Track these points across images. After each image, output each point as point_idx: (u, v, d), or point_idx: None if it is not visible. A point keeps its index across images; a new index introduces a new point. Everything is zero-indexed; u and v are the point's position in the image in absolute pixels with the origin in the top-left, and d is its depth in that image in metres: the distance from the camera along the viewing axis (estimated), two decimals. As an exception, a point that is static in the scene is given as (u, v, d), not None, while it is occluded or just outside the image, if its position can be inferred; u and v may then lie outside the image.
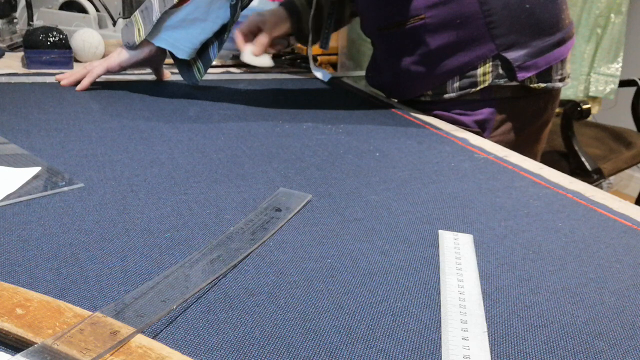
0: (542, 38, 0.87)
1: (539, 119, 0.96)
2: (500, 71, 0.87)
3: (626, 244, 0.51)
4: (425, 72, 0.91)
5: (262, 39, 1.08)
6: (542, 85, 0.90)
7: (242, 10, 0.89)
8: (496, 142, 0.83)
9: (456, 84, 0.89)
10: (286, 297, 0.39)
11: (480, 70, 0.87)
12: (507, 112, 0.92)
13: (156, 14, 0.85)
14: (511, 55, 0.86)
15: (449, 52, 0.88)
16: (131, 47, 0.90)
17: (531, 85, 0.89)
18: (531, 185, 0.64)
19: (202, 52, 0.91)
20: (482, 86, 0.88)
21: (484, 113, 0.91)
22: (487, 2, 0.82)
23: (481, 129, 0.92)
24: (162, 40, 0.87)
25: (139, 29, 0.87)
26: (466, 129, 0.89)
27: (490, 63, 0.87)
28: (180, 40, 0.87)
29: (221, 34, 0.89)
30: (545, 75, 0.90)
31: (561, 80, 0.92)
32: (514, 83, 0.88)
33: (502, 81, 0.88)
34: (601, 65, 1.99)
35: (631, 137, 1.89)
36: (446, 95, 0.91)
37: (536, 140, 1.00)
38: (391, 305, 0.39)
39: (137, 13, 0.88)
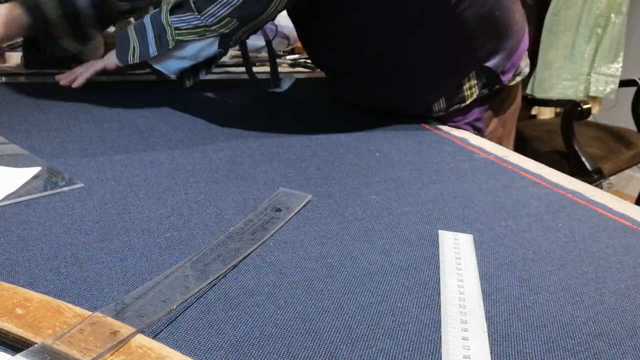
0: (510, 38, 0.88)
1: (514, 104, 0.99)
2: (485, 80, 0.87)
3: (626, 244, 0.51)
4: (409, 96, 0.90)
5: None
6: (519, 79, 0.93)
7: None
8: (490, 138, 0.83)
9: (443, 105, 0.88)
10: (286, 297, 0.39)
11: (466, 86, 0.87)
12: (491, 107, 0.93)
13: (152, 49, 0.83)
14: (492, 62, 0.86)
15: (434, 77, 0.87)
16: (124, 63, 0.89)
17: (510, 84, 0.91)
18: (531, 185, 0.64)
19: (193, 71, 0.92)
20: (470, 100, 0.88)
21: (475, 112, 0.91)
22: (464, 20, 0.81)
23: (476, 129, 0.92)
24: (155, 62, 0.88)
25: (134, 48, 0.86)
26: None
27: (475, 76, 0.86)
28: (172, 66, 0.87)
29: (211, 63, 0.89)
30: (517, 70, 0.92)
31: (526, 66, 0.95)
32: (498, 87, 0.90)
33: (487, 90, 0.88)
34: (601, 65, 1.99)
35: (631, 137, 1.89)
36: (433, 114, 0.90)
37: (513, 126, 1.02)
38: (391, 305, 0.39)
39: (132, 31, 0.86)
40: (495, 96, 0.92)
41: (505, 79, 0.89)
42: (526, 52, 0.95)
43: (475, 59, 0.85)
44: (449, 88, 0.87)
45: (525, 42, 0.93)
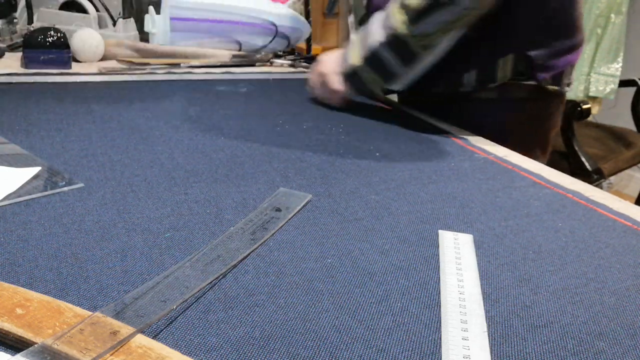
0: (561, 40, 0.86)
1: (548, 122, 0.96)
2: (520, 68, 0.85)
3: (626, 244, 0.51)
4: (441, 62, 0.86)
5: None
6: (556, 87, 0.90)
7: None
8: (513, 148, 0.80)
9: (473, 78, 0.87)
10: (286, 297, 0.39)
11: (499, 65, 0.85)
12: (521, 114, 0.91)
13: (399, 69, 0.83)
14: (533, 53, 0.84)
15: (470, 44, 0.84)
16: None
17: (547, 87, 0.88)
18: (531, 185, 0.64)
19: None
20: (500, 82, 0.85)
21: (500, 115, 0.89)
22: None
23: (499, 132, 0.87)
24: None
25: (373, 80, 0.87)
26: (483, 136, 0.85)
27: (511, 59, 0.85)
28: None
29: None
30: (557, 78, 0.90)
31: (568, 85, 0.93)
32: (532, 82, 0.87)
33: (520, 79, 0.86)
34: (601, 65, 1.99)
35: (631, 137, 1.89)
36: (462, 89, 0.88)
37: (546, 143, 0.98)
38: (391, 305, 0.39)
39: (365, 67, 0.86)
40: (530, 103, 0.89)
41: (540, 75, 0.86)
42: (573, 71, 0.92)
43: (518, 41, 0.83)
44: (482, 59, 0.85)
45: (575, 56, 0.90)
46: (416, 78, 0.86)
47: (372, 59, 0.83)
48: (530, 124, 0.93)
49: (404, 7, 0.79)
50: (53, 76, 0.98)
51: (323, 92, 0.93)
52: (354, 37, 0.87)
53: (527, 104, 0.90)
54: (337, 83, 0.89)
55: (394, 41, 0.81)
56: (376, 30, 0.82)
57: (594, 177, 1.62)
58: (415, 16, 0.78)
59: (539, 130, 0.95)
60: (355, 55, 0.85)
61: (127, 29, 1.27)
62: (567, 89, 0.93)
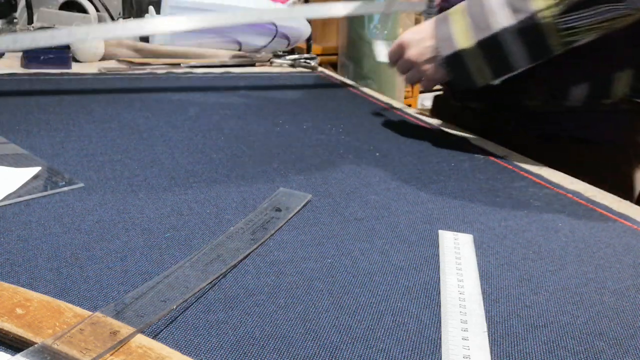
0: None
1: None
2: (638, 86, 0.74)
3: (626, 244, 0.51)
4: (542, 69, 0.71)
5: None
6: None
7: None
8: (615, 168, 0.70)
9: (582, 91, 0.73)
10: (286, 297, 0.39)
11: (615, 79, 0.73)
12: (632, 132, 0.77)
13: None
14: None
15: (582, 51, 0.68)
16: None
17: None
18: (531, 185, 0.64)
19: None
20: (613, 99, 0.73)
21: (614, 128, 0.75)
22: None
23: (616, 150, 0.74)
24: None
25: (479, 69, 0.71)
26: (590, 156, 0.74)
27: (630, 75, 0.73)
28: None
29: None
30: None
31: None
32: None
33: (635, 96, 0.75)
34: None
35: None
36: (567, 103, 0.74)
37: None
38: (391, 305, 0.39)
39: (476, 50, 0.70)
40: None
41: None
42: None
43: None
44: (596, 73, 0.73)
45: None
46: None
47: (491, 45, 0.67)
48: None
49: None
50: (53, 76, 0.98)
51: (412, 77, 0.77)
52: (459, 8, 0.70)
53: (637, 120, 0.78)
54: (431, 69, 0.73)
55: (529, 29, 0.65)
56: (500, 8, 0.66)
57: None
58: (570, 5, 0.63)
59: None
60: (463, 36, 0.69)
61: (127, 29, 1.27)
62: None
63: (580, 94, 0.74)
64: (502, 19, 0.66)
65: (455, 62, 0.70)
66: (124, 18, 1.29)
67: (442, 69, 0.72)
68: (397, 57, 0.77)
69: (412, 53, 0.74)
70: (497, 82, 0.72)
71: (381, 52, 1.01)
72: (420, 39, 0.73)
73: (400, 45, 0.76)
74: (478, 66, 0.70)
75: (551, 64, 0.70)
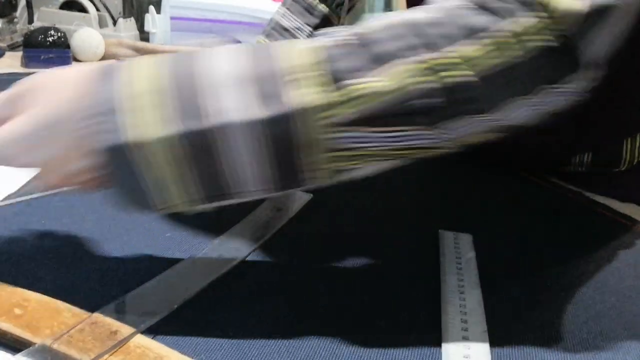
0: None
1: None
2: None
3: (626, 244, 0.51)
4: (543, 142, 0.62)
5: None
6: None
7: None
8: None
9: (587, 160, 0.64)
10: (286, 297, 0.39)
11: (627, 146, 0.62)
12: None
13: None
14: None
15: (585, 119, 0.56)
16: None
17: None
18: (531, 184, 0.64)
19: None
20: (627, 166, 0.62)
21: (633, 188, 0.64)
22: None
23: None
24: None
25: None
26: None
27: None
28: None
29: None
30: None
31: None
32: None
33: None
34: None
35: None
36: (570, 168, 0.65)
37: None
38: (391, 305, 0.39)
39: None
40: None
41: None
42: None
43: None
44: (601, 140, 0.62)
45: None
46: None
47: (204, 144, 0.33)
48: None
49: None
50: (53, 76, 0.98)
51: (44, 159, 0.37)
52: (146, 63, 0.35)
53: None
54: (79, 159, 0.35)
55: (280, 133, 0.33)
56: (231, 87, 0.33)
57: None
58: (368, 113, 0.34)
59: None
60: (151, 117, 0.33)
61: (127, 28, 1.27)
62: None
63: (585, 160, 0.64)
64: (234, 105, 0.33)
65: (125, 160, 0.33)
66: (124, 18, 1.29)
67: (104, 169, 0.34)
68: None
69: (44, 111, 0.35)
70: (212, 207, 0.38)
71: None
72: (60, 115, 0.35)
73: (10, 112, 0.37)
74: (169, 173, 0.34)
75: (558, 137, 0.61)
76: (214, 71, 0.34)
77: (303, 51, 0.34)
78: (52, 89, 0.36)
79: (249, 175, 0.35)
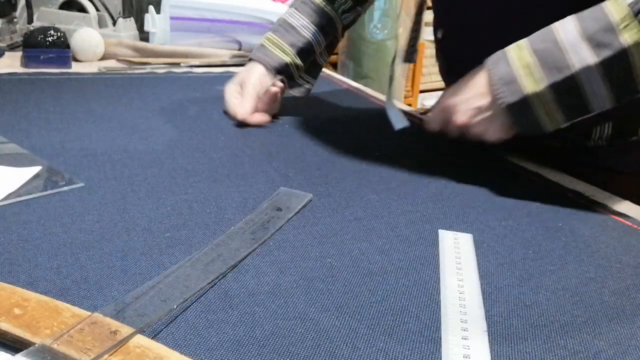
0: None
1: None
2: None
3: (626, 244, 0.51)
4: None
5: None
6: None
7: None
8: None
9: (608, 131, 0.67)
10: (286, 297, 0.39)
11: None
12: None
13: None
14: None
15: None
16: None
17: None
18: (531, 184, 0.64)
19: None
20: None
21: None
22: None
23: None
24: None
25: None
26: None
27: None
28: None
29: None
30: None
31: None
32: None
33: None
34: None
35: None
36: (591, 143, 0.69)
37: None
38: (391, 305, 0.39)
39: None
40: None
41: None
42: None
43: None
44: (623, 110, 0.61)
45: None
46: None
47: (568, 87, 0.56)
48: None
49: None
50: (53, 76, 0.98)
51: (471, 139, 0.64)
52: (518, 46, 0.58)
53: None
54: (491, 127, 0.62)
55: (618, 68, 0.54)
56: (577, 44, 0.55)
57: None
58: None
59: None
60: (530, 78, 0.57)
61: (127, 28, 1.27)
62: None
63: (605, 134, 0.68)
64: (582, 56, 0.54)
65: (522, 109, 0.58)
66: (124, 17, 1.29)
67: (507, 118, 0.59)
68: (444, 124, 0.66)
69: (460, 118, 0.63)
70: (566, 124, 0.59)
71: (397, 117, 0.82)
72: (466, 99, 0.62)
73: (443, 110, 0.66)
74: (548, 111, 0.57)
75: None
76: (568, 35, 0.55)
77: (623, 7, 0.53)
78: (457, 91, 0.64)
79: (600, 98, 0.56)
